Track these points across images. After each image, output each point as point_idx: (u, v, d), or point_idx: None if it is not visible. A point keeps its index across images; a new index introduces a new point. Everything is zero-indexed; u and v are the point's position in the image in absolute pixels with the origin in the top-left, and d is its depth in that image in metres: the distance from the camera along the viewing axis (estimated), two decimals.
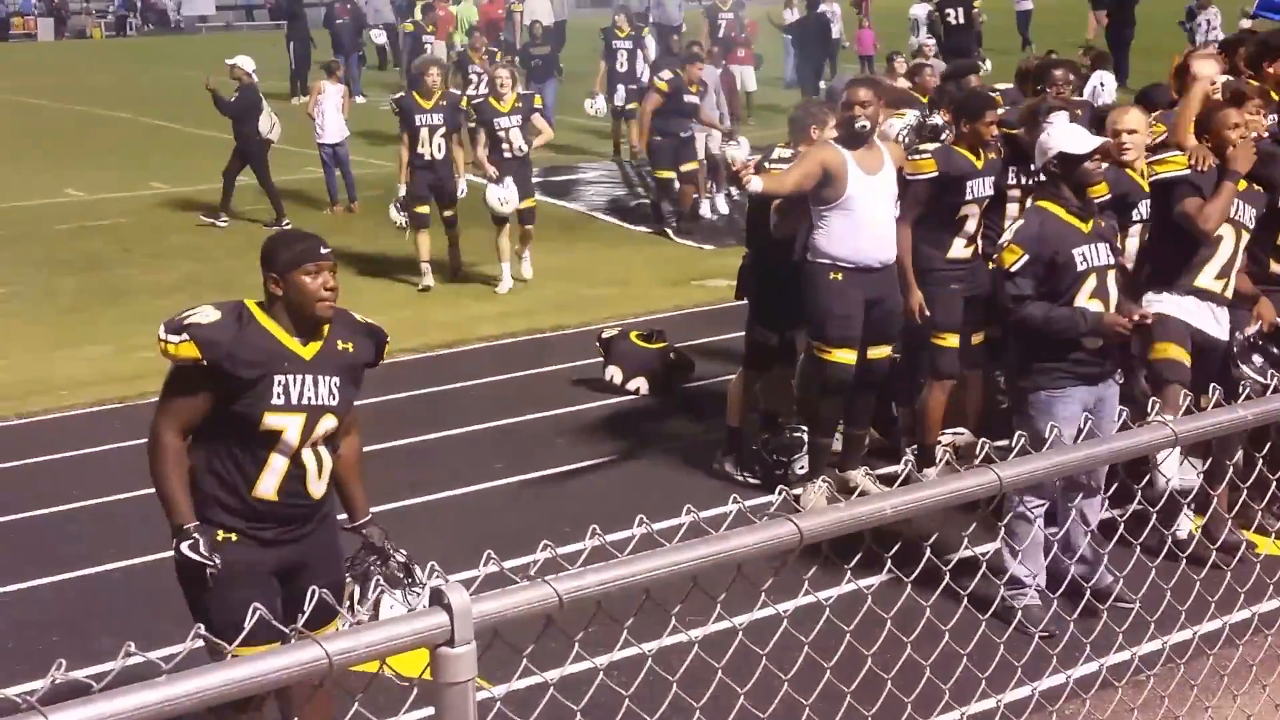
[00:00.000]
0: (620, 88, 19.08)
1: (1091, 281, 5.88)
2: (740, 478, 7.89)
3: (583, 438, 8.84)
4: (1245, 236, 6.47)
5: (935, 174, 7.21)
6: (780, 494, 2.64)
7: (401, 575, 4.54)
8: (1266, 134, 6.96)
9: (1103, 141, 6.06)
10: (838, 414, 7.43)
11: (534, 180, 13.34)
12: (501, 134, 12.38)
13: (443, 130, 12.53)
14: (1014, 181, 7.36)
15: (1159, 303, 6.40)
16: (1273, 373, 6.01)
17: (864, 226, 7.00)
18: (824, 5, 26.11)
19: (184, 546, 4.11)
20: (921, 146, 7.48)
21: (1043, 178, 6.23)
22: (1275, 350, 6.32)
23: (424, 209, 12.66)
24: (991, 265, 6.62)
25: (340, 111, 16.36)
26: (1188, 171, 6.34)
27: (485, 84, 15.23)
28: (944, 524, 2.74)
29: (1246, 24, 20.71)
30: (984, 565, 2.99)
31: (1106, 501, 6.21)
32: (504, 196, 12.26)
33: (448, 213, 12.88)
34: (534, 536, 2.89)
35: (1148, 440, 2.91)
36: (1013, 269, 5.86)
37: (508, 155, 12.38)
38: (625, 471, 8.25)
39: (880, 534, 2.61)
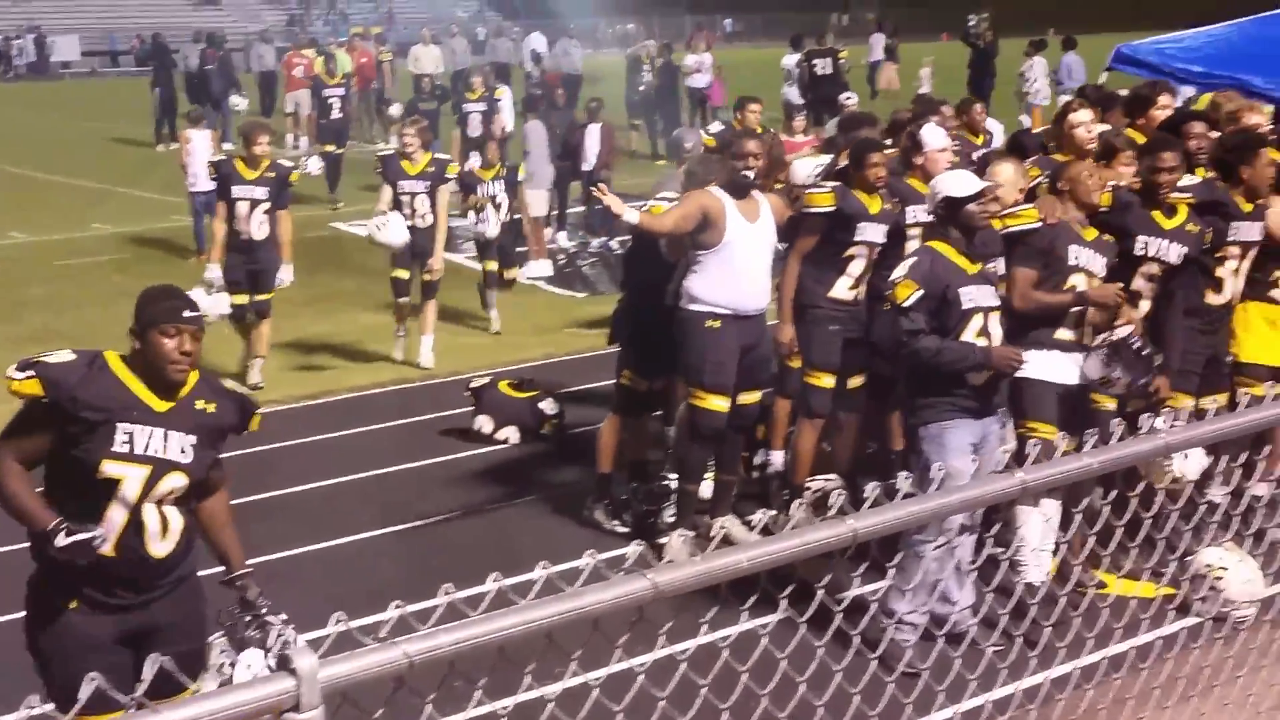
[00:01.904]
0: (473, 155, 15.66)
1: (977, 321, 6.10)
2: (610, 526, 7.89)
3: (452, 489, 8.77)
4: (1096, 284, 6.64)
5: (832, 208, 7.32)
6: (636, 547, 2.64)
7: (261, 634, 4.44)
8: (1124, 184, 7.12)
9: (987, 185, 6.26)
10: (706, 460, 7.48)
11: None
12: (405, 198, 11.24)
13: (266, 205, 10.70)
14: (913, 220, 7.48)
15: (1033, 365, 6.51)
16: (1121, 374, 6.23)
17: (741, 273, 7.09)
18: (692, 56, 26.49)
19: (60, 539, 4.01)
20: (822, 182, 7.60)
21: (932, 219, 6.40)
22: (1136, 350, 6.43)
23: (241, 299, 10.81)
24: (886, 305, 6.74)
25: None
26: (1037, 225, 6.51)
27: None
28: (803, 567, 2.75)
29: (1104, 77, 21.42)
30: (837, 609, 3.00)
31: (990, 541, 6.38)
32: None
33: (260, 297, 10.93)
34: (402, 590, 2.85)
35: (998, 489, 2.97)
36: (906, 303, 6.06)
37: (408, 223, 11.16)
38: (495, 522, 8.20)
39: (739, 581, 2.62)
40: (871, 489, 2.88)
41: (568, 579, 2.40)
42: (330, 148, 20.28)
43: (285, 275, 10.96)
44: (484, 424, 9.61)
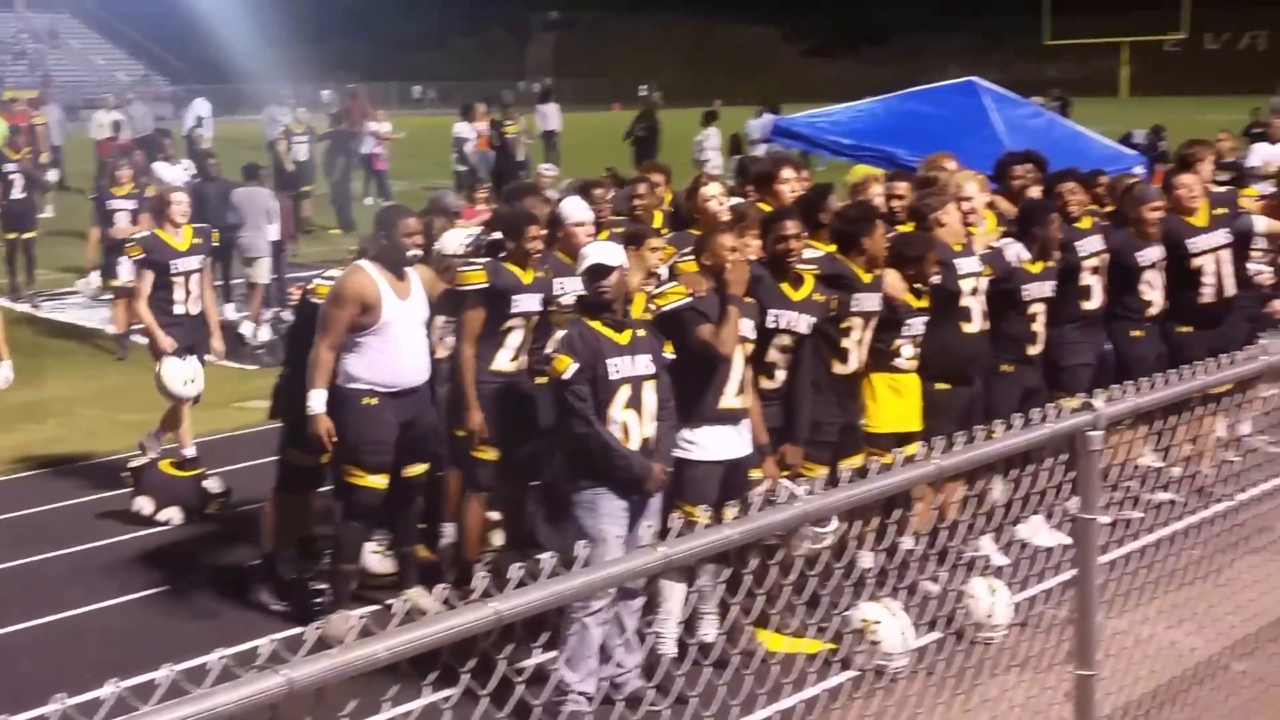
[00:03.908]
0: (124, 259, 13.48)
1: (625, 392, 6.16)
2: (277, 607, 7.65)
3: (109, 575, 8.34)
4: (749, 348, 6.86)
5: (485, 285, 7.32)
6: (270, 642, 2.55)
7: None
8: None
9: (602, 264, 6.27)
10: (362, 539, 7.38)
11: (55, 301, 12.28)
12: (178, 280, 9.72)
13: None
14: (560, 291, 7.50)
15: (695, 447, 6.62)
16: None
17: (400, 350, 7.03)
18: (372, 124, 26.32)
19: None
20: (473, 259, 7.59)
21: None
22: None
23: None
24: (543, 379, 6.77)
25: None
26: (689, 299, 6.68)
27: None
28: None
29: (762, 149, 22.39)
30: (518, 680, 2.97)
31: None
32: (189, 375, 9.78)
33: None
34: (52, 686, 2.66)
35: (641, 564, 3.00)
36: (566, 376, 6.10)
37: (180, 310, 9.78)
38: (156, 609, 7.83)
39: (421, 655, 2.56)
40: (515, 570, 2.87)
41: (196, 677, 2.30)
42: (12, 235, 17.69)
43: (6, 372, 8.91)
44: (144, 505, 9.20)
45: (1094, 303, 8.71)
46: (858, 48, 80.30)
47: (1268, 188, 11.43)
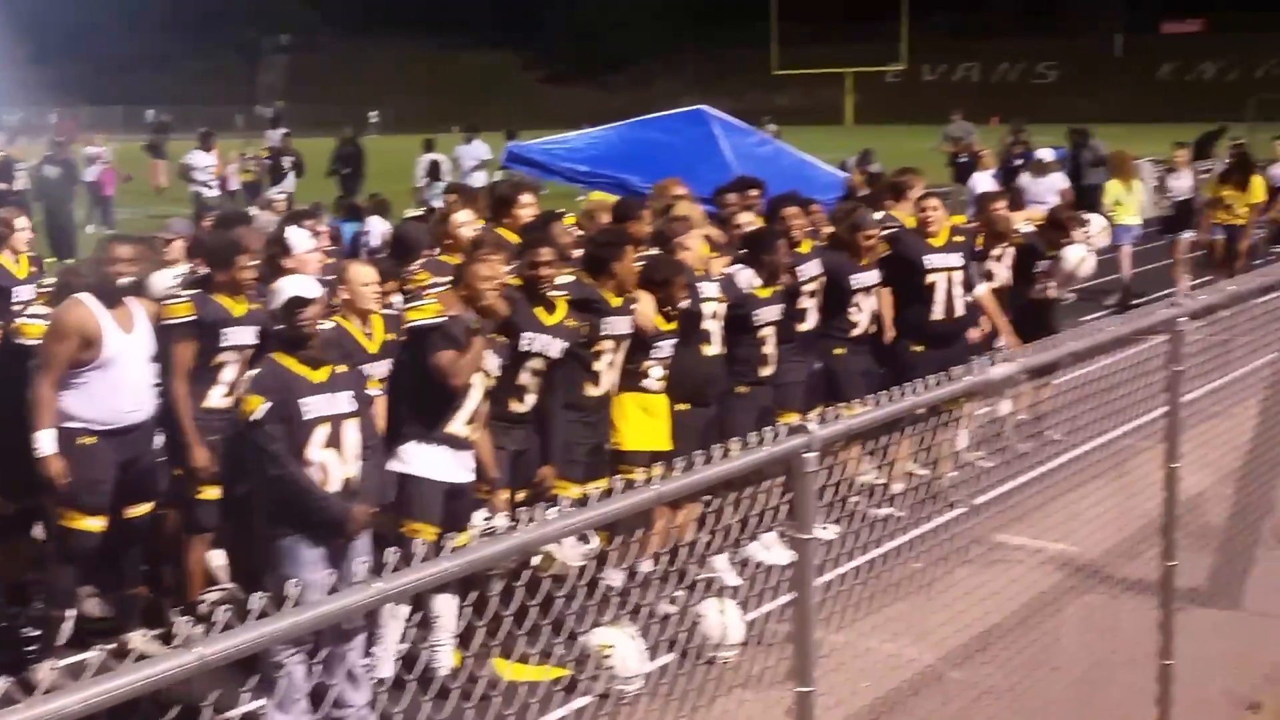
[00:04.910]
0: None
1: (323, 431, 6.00)
2: None
3: None
4: (490, 382, 6.85)
5: (193, 317, 7.11)
6: None
7: None
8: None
9: (300, 297, 6.14)
10: (76, 584, 7.08)
11: None
12: (15, 310, 8.65)
13: None
14: None
15: (412, 461, 6.58)
16: None
17: (122, 387, 6.77)
18: (91, 149, 25.35)
19: None
20: (179, 292, 7.35)
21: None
22: None
23: None
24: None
25: None
26: (443, 319, 6.62)
27: None
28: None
29: (484, 177, 22.41)
30: None
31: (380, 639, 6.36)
32: None
33: None
34: None
35: (355, 601, 2.93)
36: (256, 416, 5.90)
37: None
38: None
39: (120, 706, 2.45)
40: (222, 616, 2.77)
41: None
42: None
43: None
44: None
45: (808, 324, 9.00)
46: (594, 75, 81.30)
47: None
